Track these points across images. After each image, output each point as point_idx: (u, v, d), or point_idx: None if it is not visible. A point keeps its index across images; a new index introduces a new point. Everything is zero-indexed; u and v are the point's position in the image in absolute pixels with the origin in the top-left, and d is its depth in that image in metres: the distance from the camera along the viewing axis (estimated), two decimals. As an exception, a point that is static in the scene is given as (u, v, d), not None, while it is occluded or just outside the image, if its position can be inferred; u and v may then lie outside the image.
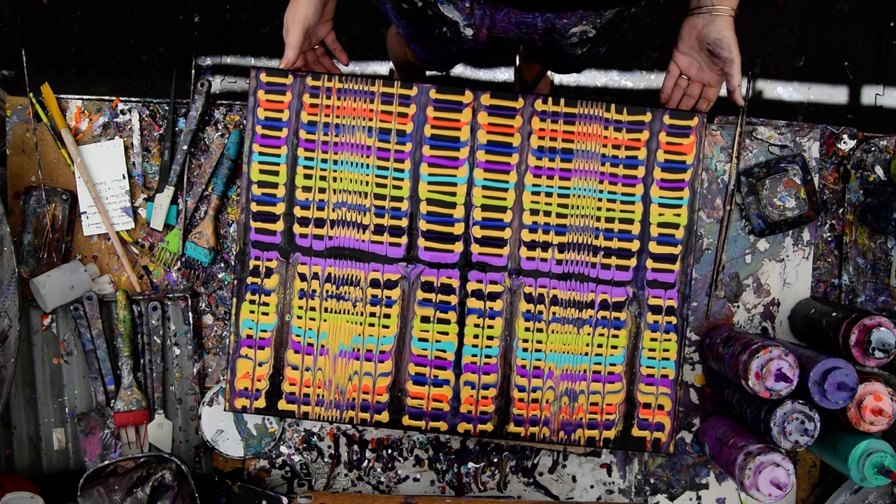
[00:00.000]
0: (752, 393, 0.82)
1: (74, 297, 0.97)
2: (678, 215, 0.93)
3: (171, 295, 0.98)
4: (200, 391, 0.99)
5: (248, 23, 1.83)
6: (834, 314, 0.89)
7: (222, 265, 1.01)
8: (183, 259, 1.00)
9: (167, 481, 0.91)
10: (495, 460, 1.01)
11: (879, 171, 1.01)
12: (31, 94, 0.98)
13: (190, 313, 0.98)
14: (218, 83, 1.83)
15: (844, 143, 1.02)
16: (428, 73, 1.80)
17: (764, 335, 0.98)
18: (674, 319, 0.93)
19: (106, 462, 0.93)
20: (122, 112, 1.00)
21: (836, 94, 1.85)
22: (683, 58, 0.88)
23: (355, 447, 1.01)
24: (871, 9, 1.85)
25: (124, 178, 0.99)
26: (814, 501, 1.00)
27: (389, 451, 1.01)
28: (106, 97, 1.00)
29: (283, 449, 1.01)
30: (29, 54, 1.69)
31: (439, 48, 0.99)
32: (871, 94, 1.85)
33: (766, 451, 0.84)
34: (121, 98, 1.00)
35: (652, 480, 1.01)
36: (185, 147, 0.99)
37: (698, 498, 1.01)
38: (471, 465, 1.01)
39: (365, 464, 1.01)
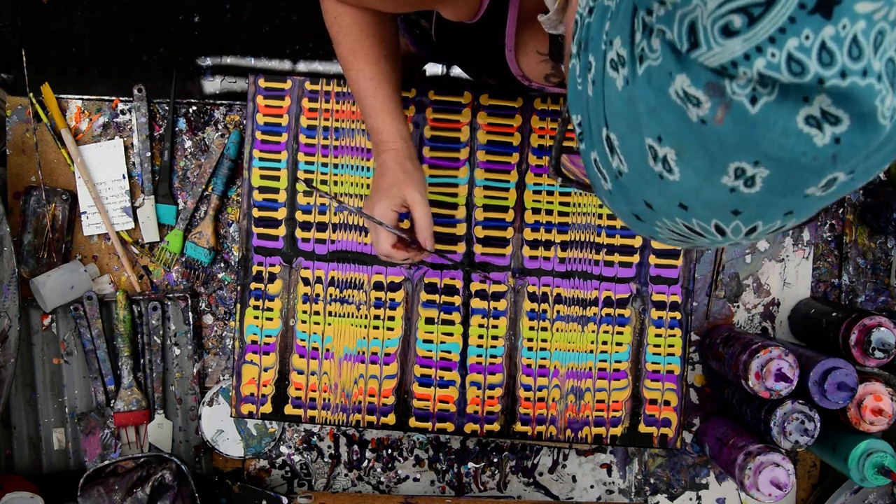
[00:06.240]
0: (752, 393, 0.82)
1: (74, 297, 0.96)
2: None
3: (171, 295, 0.98)
4: (200, 391, 0.99)
5: (248, 23, 1.83)
6: (834, 314, 0.89)
7: (222, 265, 1.00)
8: (183, 259, 1.00)
9: (167, 481, 0.91)
10: (495, 460, 1.01)
11: (879, 171, 1.01)
12: (31, 94, 0.98)
13: (190, 313, 0.98)
14: (218, 83, 1.83)
15: (844, 143, 1.02)
16: (428, 73, 1.80)
17: (764, 335, 0.98)
18: (678, 315, 0.93)
19: (106, 462, 0.92)
20: (122, 112, 1.00)
21: (836, 95, 1.85)
22: None
23: (355, 447, 1.00)
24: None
25: (124, 178, 0.99)
26: (814, 501, 1.00)
27: (389, 451, 1.01)
28: (106, 97, 1.00)
29: (283, 449, 1.01)
30: (29, 54, 1.69)
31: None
32: (870, 95, 1.85)
33: (766, 451, 0.84)
34: (121, 98, 1.00)
35: (652, 480, 1.01)
36: (148, 154, 0.99)
37: (698, 498, 1.01)
38: (471, 465, 1.01)
39: (365, 464, 1.01)
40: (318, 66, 1.84)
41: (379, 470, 1.01)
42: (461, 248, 0.93)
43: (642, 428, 0.93)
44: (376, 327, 0.93)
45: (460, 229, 0.93)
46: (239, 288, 0.93)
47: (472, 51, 0.73)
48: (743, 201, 0.34)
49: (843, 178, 0.32)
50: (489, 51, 0.69)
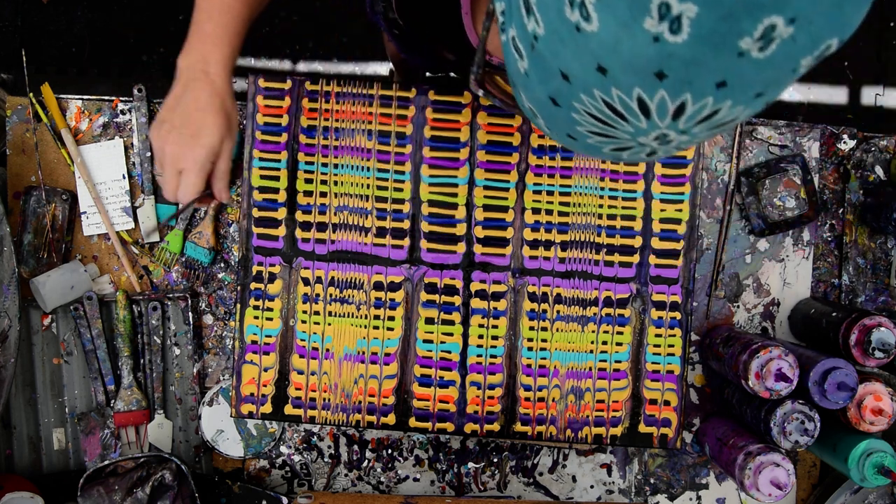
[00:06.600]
0: (752, 393, 0.82)
1: (74, 297, 0.96)
2: (680, 210, 0.93)
3: (171, 295, 0.98)
4: (200, 391, 0.99)
5: (247, 23, 1.83)
6: (834, 314, 0.89)
7: (222, 265, 1.00)
8: (183, 259, 1.00)
9: (167, 481, 0.91)
10: (495, 460, 1.01)
11: (879, 171, 1.01)
12: (31, 94, 0.98)
13: (190, 313, 0.98)
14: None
15: (844, 143, 1.02)
16: (427, 73, 1.80)
17: (764, 335, 0.98)
18: (678, 315, 0.93)
19: (106, 462, 0.92)
20: (122, 112, 1.00)
21: (836, 95, 1.85)
22: None
23: (355, 447, 1.00)
24: (872, 9, 1.85)
25: (124, 178, 0.99)
26: (814, 501, 1.00)
27: (389, 451, 1.01)
28: (106, 97, 1.00)
29: (283, 449, 1.01)
30: (29, 54, 1.69)
31: (432, 59, 0.98)
32: (871, 94, 1.86)
33: (766, 451, 0.84)
34: (121, 98, 1.00)
35: (652, 480, 1.01)
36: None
37: (698, 498, 1.01)
38: (471, 465, 1.01)
39: (365, 464, 1.01)
40: (318, 66, 1.84)
41: (379, 470, 1.01)
42: (461, 248, 0.93)
43: (642, 428, 0.93)
44: (376, 327, 0.93)
45: (460, 229, 0.93)
46: (239, 288, 0.93)
47: (431, 17, 0.70)
48: (668, 57, 0.31)
49: (783, 29, 0.30)
50: (447, 16, 0.67)
